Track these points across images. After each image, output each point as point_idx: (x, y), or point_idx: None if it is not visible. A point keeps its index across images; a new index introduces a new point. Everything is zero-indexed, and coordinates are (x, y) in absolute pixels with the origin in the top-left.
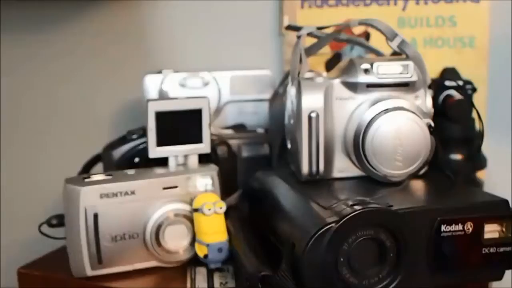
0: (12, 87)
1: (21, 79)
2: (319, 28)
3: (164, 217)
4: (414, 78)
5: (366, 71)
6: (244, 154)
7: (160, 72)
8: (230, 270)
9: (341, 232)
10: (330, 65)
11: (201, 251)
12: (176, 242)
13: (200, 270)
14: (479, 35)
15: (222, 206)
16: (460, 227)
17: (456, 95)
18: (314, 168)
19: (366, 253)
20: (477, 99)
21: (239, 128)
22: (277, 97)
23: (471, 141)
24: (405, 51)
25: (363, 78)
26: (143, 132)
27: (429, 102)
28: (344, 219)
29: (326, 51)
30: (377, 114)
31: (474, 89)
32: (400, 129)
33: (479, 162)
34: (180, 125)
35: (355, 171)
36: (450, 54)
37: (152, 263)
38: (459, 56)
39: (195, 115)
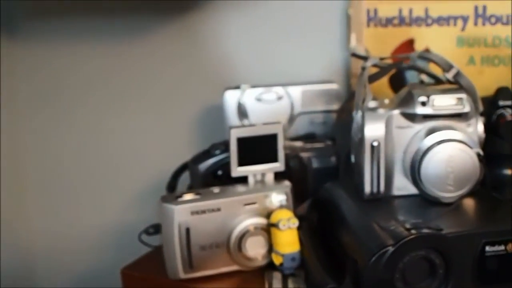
0: (101, 97)
1: (110, 90)
2: (382, 59)
3: (245, 230)
4: (467, 110)
5: (423, 103)
6: (314, 166)
7: (238, 87)
8: (302, 275)
9: (398, 253)
10: (393, 80)
11: (277, 260)
12: (255, 250)
13: (275, 274)
14: None
15: (295, 222)
16: (502, 247)
17: (508, 115)
18: (375, 189)
19: (419, 269)
20: None
21: (309, 137)
22: (344, 112)
23: None
24: (460, 81)
25: (420, 110)
26: (225, 148)
27: (480, 128)
28: (400, 242)
29: None
30: (432, 145)
31: None
32: (451, 158)
33: None
34: (258, 147)
35: (411, 190)
36: (505, 72)
37: (234, 267)
38: None
39: (272, 138)
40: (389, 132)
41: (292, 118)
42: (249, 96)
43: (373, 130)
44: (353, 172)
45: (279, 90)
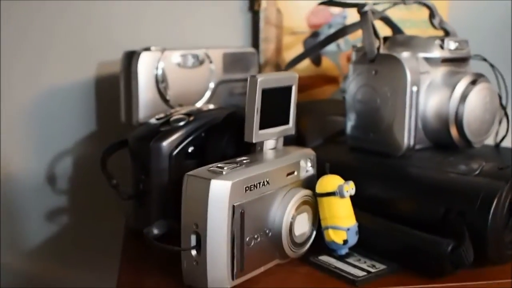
0: None
1: None
2: (376, 4)
3: (295, 207)
4: (471, 53)
5: (441, 46)
6: None
7: (148, 49)
8: (354, 254)
9: (508, 194)
10: (308, 43)
11: (339, 238)
12: (302, 231)
13: (329, 260)
14: None
15: (353, 187)
16: None
17: None
18: (412, 141)
19: (508, 211)
20: None
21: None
22: None
23: None
24: (446, 28)
25: (438, 53)
26: (188, 117)
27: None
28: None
29: (305, 30)
30: (466, 88)
31: None
32: (486, 100)
33: None
34: (276, 105)
35: (425, 143)
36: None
37: (277, 261)
38: None
39: (286, 92)
40: None
41: (212, 87)
42: (169, 60)
43: (413, 76)
44: (359, 138)
45: (200, 53)
